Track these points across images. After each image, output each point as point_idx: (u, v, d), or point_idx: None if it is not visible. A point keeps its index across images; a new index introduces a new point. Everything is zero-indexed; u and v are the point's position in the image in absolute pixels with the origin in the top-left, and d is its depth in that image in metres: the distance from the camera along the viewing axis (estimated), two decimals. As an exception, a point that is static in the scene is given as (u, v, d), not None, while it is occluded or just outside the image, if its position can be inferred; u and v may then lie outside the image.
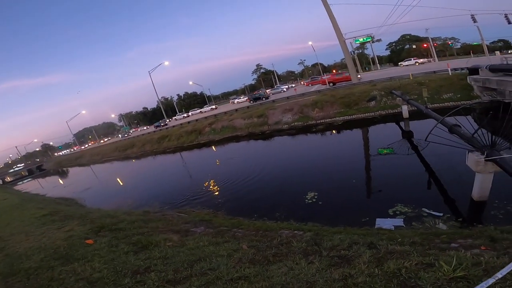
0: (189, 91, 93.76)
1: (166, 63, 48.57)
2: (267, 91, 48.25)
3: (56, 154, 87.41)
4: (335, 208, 8.58)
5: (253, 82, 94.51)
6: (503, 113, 7.49)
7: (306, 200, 9.36)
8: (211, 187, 14.38)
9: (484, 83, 16.75)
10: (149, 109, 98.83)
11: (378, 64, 62.97)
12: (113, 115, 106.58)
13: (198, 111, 54.96)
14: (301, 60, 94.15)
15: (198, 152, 28.09)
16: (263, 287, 2.63)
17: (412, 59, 50.67)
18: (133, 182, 22.47)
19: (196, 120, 39.04)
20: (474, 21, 27.61)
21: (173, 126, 41.23)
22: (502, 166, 5.88)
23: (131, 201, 14.66)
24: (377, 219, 7.15)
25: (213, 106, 55.81)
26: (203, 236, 5.17)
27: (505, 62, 17.26)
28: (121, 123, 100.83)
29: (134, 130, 64.31)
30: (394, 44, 75.10)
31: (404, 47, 73.07)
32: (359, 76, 33.71)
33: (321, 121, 23.05)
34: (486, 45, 44.54)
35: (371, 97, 21.65)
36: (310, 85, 44.31)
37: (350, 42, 38.11)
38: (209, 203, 11.76)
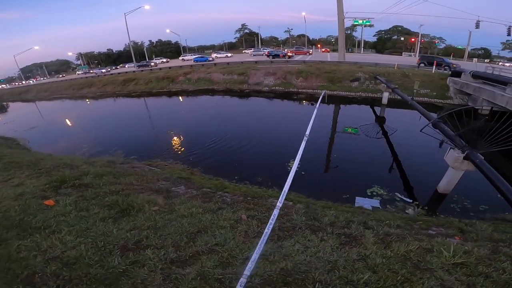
0: (163, 39, 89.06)
1: (147, 7, 41.60)
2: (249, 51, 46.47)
3: (-4, 86, 74.91)
4: (317, 180, 8.66)
5: (234, 41, 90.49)
6: (468, 117, 7.96)
7: (289, 168, 9.25)
8: (181, 139, 13.52)
9: (462, 86, 17.68)
10: (114, 51, 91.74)
11: (362, 48, 62.84)
12: (70, 53, 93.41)
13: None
14: (288, 28, 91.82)
15: (168, 100, 26.22)
16: (287, 267, 2.34)
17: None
18: (88, 125, 19.99)
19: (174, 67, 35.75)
20: (477, 27, 28.01)
21: (160, 69, 37.51)
22: (479, 166, 6.23)
23: (87, 147, 13.15)
24: (356, 197, 7.35)
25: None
26: (191, 199, 4.64)
27: (490, 71, 18.11)
28: (79, 62, 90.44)
29: (115, 68, 55.61)
30: (383, 32, 75.26)
31: (392, 37, 73.77)
32: (289, 54, 36.07)
33: (303, 90, 22.80)
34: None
35: (355, 78, 21.69)
36: (294, 54, 43.38)
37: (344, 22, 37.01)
38: (181, 157, 11.08)
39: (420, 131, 7.58)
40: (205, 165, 9.98)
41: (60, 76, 61.54)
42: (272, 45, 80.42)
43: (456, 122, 7.40)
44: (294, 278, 2.19)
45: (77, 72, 60.72)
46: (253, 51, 48.25)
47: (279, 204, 1.73)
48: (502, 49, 68.54)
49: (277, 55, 39.27)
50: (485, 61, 47.76)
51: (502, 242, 3.64)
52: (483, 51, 68.54)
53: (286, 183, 2.81)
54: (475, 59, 45.78)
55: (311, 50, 45.94)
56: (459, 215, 6.55)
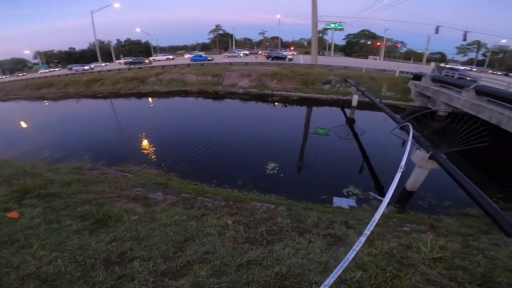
0: (133, 38, 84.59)
1: (116, 5, 39.11)
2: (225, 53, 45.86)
3: None
4: (296, 182, 8.81)
5: (207, 42, 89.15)
6: (428, 119, 8.74)
7: (267, 171, 9.31)
8: (154, 143, 12.96)
9: (422, 89, 19.17)
10: (76, 50, 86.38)
11: (332, 51, 65.49)
12: (27, 52, 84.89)
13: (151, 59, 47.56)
14: (262, 30, 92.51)
15: (138, 101, 25.01)
16: (281, 271, 2.34)
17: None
18: (49, 128, 18.27)
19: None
20: (437, 32, 30.37)
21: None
22: (443, 165, 6.80)
23: (49, 152, 12.02)
24: (334, 197, 7.61)
25: (170, 56, 50.08)
26: (172, 206, 4.44)
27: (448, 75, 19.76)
28: (37, 60, 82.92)
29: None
30: (352, 36, 78.58)
31: (359, 41, 77.63)
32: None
33: (278, 92, 23.22)
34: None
35: (327, 80, 22.54)
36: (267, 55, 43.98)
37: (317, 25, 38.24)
38: (155, 162, 10.65)
39: (390, 132, 8.07)
40: (182, 170, 9.69)
41: (21, 74, 55.65)
42: (246, 46, 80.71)
43: (419, 124, 8.02)
44: (291, 281, 2.19)
45: (39, 71, 54.85)
46: (227, 53, 47.91)
47: (366, 232, 1.70)
48: (457, 54, 75.00)
49: (277, 58, 37.20)
50: (441, 64, 52.22)
51: (470, 236, 3.97)
52: (439, 55, 74.53)
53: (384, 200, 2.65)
54: (432, 63, 50.02)
55: (284, 52, 46.79)
56: (427, 211, 7.05)
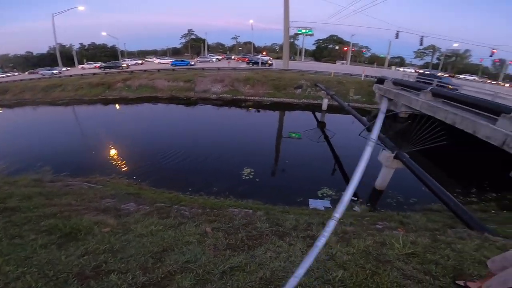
0: (98, 42, 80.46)
1: (81, 8, 36.81)
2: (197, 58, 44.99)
3: None
4: (272, 186, 8.87)
5: (178, 46, 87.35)
6: (391, 121, 9.42)
7: (243, 176, 9.28)
8: (122, 151, 12.30)
9: (385, 92, 20.49)
10: (34, 54, 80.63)
11: (303, 56, 67.67)
12: None
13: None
14: (235, 35, 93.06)
15: (104, 108, 23.65)
16: (265, 275, 2.35)
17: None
18: (3, 137, 16.44)
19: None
20: (397, 37, 32.46)
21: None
22: (407, 164, 7.33)
23: (3, 164, 10.83)
24: (309, 200, 7.80)
25: (139, 61, 47.48)
26: (146, 216, 4.23)
27: (406, 78, 21.27)
28: None
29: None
30: (321, 41, 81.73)
31: (328, 46, 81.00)
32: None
33: (251, 97, 23.41)
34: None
35: (298, 85, 23.23)
36: (240, 61, 44.38)
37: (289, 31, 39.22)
38: (124, 171, 10.11)
39: (359, 135, 8.50)
40: (154, 179, 9.28)
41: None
42: (219, 51, 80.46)
43: (384, 126, 8.55)
44: (275, 285, 2.19)
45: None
46: (199, 58, 47.36)
47: (336, 215, 1.64)
48: (414, 58, 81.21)
49: (257, 63, 37.04)
50: (400, 69, 56.51)
51: (437, 231, 4.29)
52: (399, 59, 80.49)
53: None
54: (393, 67, 53.88)
55: (266, 58, 47.49)
56: (396, 209, 7.49)
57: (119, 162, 11.27)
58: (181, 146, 12.61)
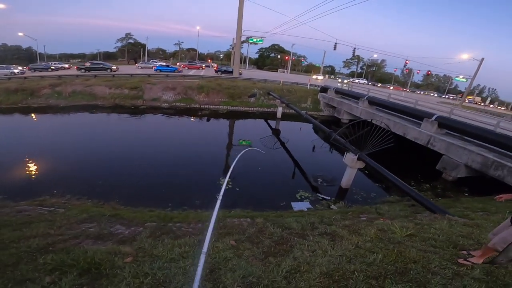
0: (10, 43, 70.52)
1: (1, 5, 29.96)
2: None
3: None
4: (253, 194, 9.02)
5: (114, 50, 79.59)
6: (336, 126, 10.84)
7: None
8: (67, 168, 10.57)
9: (329, 100, 22.83)
10: None
11: (247, 64, 69.48)
12: None
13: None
14: (178, 41, 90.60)
15: (24, 119, 19.83)
16: (322, 270, 2.62)
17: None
18: None
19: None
20: (335, 48, 35.69)
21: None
22: (369, 163, 8.49)
23: None
24: (292, 203, 8.28)
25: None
26: (154, 239, 3.95)
27: (346, 87, 23.83)
28: None
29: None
30: (264, 50, 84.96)
31: (270, 55, 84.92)
32: (240, 71, 36.31)
33: (206, 106, 23.06)
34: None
35: (252, 94, 23.98)
36: (186, 68, 43.10)
37: (233, 38, 39.88)
38: (79, 191, 8.77)
39: (330, 142, 9.39)
40: (120, 197, 8.34)
41: None
42: (159, 57, 76.44)
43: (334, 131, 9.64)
44: (336, 276, 2.46)
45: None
46: (141, 64, 44.07)
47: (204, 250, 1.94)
48: (343, 67, 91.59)
49: (227, 72, 36.10)
50: (331, 77, 62.87)
51: (411, 217, 5.18)
52: (330, 68, 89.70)
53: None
54: (326, 75, 60.02)
55: (203, 65, 46.75)
56: (362, 203, 8.54)
57: (68, 180, 9.73)
58: (142, 159, 11.70)
